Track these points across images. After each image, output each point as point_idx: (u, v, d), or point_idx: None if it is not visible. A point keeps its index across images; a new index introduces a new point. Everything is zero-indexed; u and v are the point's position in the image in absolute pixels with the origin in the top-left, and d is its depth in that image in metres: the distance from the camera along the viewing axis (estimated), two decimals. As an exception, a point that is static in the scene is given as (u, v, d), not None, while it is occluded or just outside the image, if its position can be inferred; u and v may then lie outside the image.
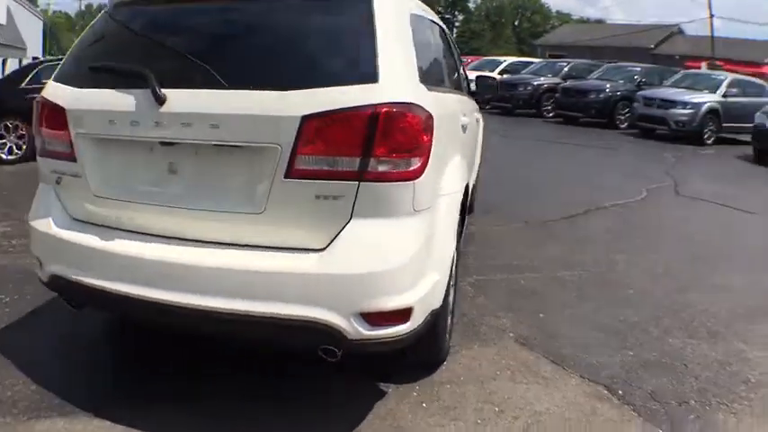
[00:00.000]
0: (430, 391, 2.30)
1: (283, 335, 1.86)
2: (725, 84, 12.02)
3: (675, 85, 12.90)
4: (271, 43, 1.93)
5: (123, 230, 2.00)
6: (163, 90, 1.82)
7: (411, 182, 1.79)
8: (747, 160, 9.98)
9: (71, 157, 2.03)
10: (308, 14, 1.95)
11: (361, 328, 1.75)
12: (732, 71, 18.03)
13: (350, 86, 1.75)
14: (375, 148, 1.71)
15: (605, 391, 2.37)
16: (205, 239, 1.88)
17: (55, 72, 2.21)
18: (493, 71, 16.33)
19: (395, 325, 1.79)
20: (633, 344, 2.80)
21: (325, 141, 1.73)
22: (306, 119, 1.71)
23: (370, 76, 1.77)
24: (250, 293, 1.76)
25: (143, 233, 1.96)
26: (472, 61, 18.51)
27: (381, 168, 1.74)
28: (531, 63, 17.45)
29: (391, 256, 1.78)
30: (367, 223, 1.77)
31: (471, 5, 58.15)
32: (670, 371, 2.56)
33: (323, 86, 1.75)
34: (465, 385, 2.36)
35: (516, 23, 58.52)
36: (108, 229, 2.02)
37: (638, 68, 14.57)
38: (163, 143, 1.91)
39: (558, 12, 61.26)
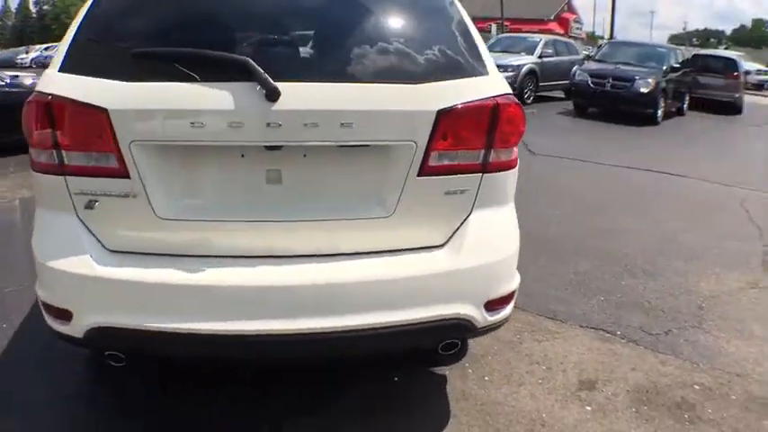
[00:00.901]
0: (480, 365, 2.52)
1: (417, 338, 1.82)
2: (540, 45, 13.76)
3: (492, 49, 14.43)
4: (393, 31, 1.85)
5: (202, 257, 1.70)
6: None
7: (514, 170, 1.90)
8: (570, 115, 11.80)
9: (119, 173, 1.64)
10: (419, 3, 1.96)
11: (487, 316, 1.84)
12: (518, 30, 20.51)
13: (471, 79, 1.79)
14: (496, 140, 1.78)
15: (607, 335, 2.85)
16: (318, 253, 1.74)
17: (58, 59, 1.73)
18: None
19: (505, 308, 1.94)
20: (596, 290, 3.34)
21: (456, 135, 1.73)
22: (441, 113, 1.70)
23: (482, 68, 1.84)
24: (389, 303, 1.71)
25: (230, 256, 1.71)
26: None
27: (498, 159, 1.81)
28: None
29: (507, 243, 1.90)
30: (484, 214, 1.84)
31: None
32: (639, 308, 3.17)
33: (447, 79, 1.75)
34: (503, 353, 2.63)
35: None
36: (178, 257, 1.70)
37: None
38: (268, 147, 1.67)
39: None
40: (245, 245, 1.73)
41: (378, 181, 1.75)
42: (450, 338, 1.90)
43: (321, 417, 2.11)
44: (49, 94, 1.64)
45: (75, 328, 1.69)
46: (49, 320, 1.77)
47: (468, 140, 1.75)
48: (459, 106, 1.72)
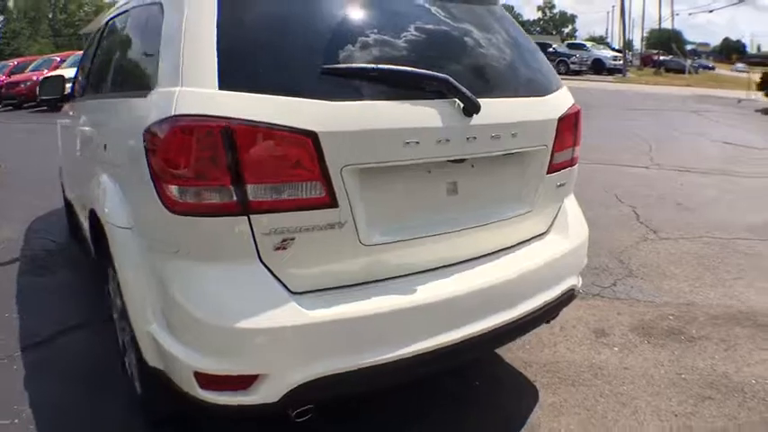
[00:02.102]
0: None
1: (551, 312, 2.04)
2: None
3: None
4: (523, 52, 2.09)
5: (402, 277, 1.66)
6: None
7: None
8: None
9: (326, 203, 1.50)
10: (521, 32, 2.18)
11: (579, 284, 2.18)
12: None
13: (561, 90, 2.11)
14: (577, 139, 2.12)
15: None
16: (490, 252, 1.87)
17: (200, 75, 1.47)
18: None
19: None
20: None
21: (563, 137, 2.02)
22: (559, 120, 1.99)
23: (558, 82, 2.16)
24: (545, 286, 1.94)
25: (426, 271, 1.71)
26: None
27: (576, 155, 2.15)
28: None
29: (583, 222, 2.26)
30: (568, 202, 2.21)
31: (10, 4, 54.77)
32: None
33: (553, 92, 2.06)
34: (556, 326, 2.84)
35: (51, 16, 57.97)
36: (380, 282, 1.63)
37: None
38: (452, 161, 1.71)
39: None
40: (436, 257, 1.74)
41: (522, 182, 1.96)
42: (564, 307, 2.13)
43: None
44: (223, 118, 1.40)
45: (269, 393, 1.48)
46: (214, 396, 1.50)
47: (567, 141, 2.07)
48: (566, 114, 2.03)
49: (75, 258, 3.86)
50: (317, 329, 1.48)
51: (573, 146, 2.10)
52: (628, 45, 37.08)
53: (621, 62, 31.02)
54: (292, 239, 1.48)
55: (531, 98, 1.96)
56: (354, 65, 1.58)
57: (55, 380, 2.39)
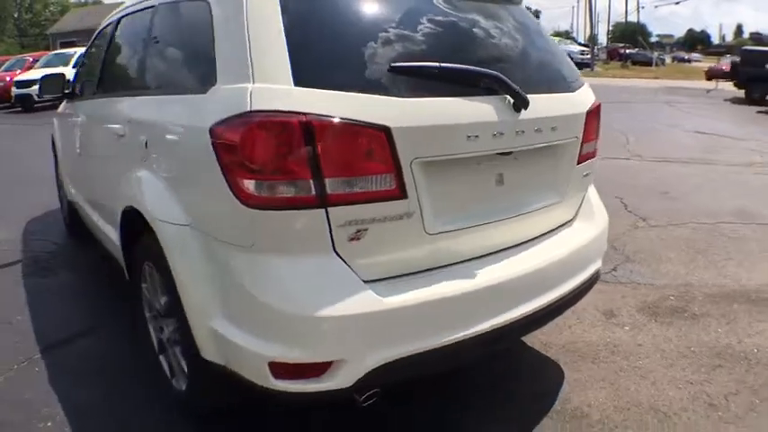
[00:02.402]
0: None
1: (583, 292, 2.18)
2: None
3: None
4: (553, 51, 2.26)
5: (461, 263, 1.77)
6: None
7: None
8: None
9: (397, 195, 1.58)
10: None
11: (600, 268, 2.35)
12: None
13: (584, 86, 2.27)
14: (598, 132, 2.28)
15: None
16: (527, 239, 2.00)
17: (273, 71, 1.51)
18: (67, 65, 15.01)
19: None
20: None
21: (589, 130, 2.18)
22: (587, 113, 2.16)
23: (581, 78, 2.31)
24: (586, 262, 2.15)
25: (479, 257, 1.82)
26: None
27: (597, 147, 2.32)
28: None
29: (603, 209, 2.44)
30: (591, 191, 2.39)
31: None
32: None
33: (579, 88, 2.22)
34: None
35: (16, 15, 56.52)
36: (442, 269, 1.73)
37: None
38: (500, 153, 1.82)
39: None
40: (488, 244, 1.87)
41: (557, 172, 2.10)
42: (591, 288, 2.27)
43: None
44: (302, 113, 1.46)
45: (344, 378, 1.54)
46: (287, 384, 1.55)
47: (592, 133, 2.22)
48: (592, 108, 2.19)
49: (77, 260, 3.89)
50: (390, 315, 1.55)
51: (596, 138, 2.26)
52: (593, 39, 37.87)
53: (589, 56, 31.76)
54: (365, 230, 1.55)
55: (565, 93, 2.11)
56: (419, 63, 1.66)
57: (80, 380, 2.42)
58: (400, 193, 1.58)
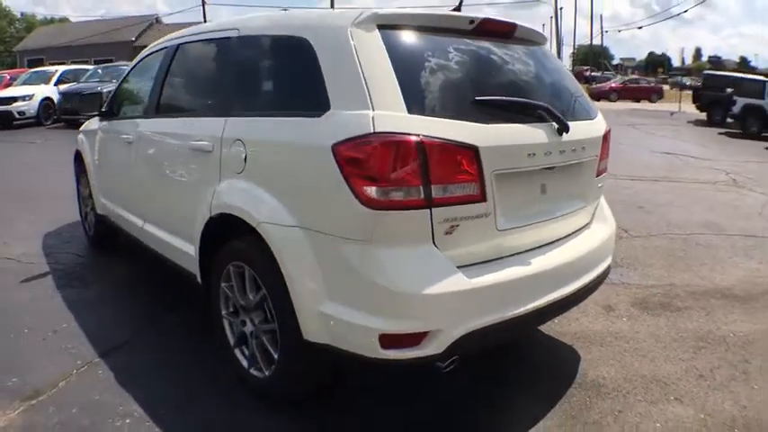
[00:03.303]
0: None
1: (599, 283, 2.69)
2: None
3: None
4: (575, 84, 2.79)
5: (517, 254, 2.27)
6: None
7: None
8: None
9: (479, 198, 2.05)
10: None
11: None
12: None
13: (599, 114, 2.85)
14: (608, 152, 2.84)
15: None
16: (562, 237, 2.53)
17: (383, 101, 1.96)
18: (48, 82, 15.33)
19: None
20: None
21: (603, 150, 2.75)
22: (603, 136, 2.74)
23: (595, 107, 2.90)
24: (602, 258, 2.69)
25: (529, 250, 2.33)
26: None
27: (607, 164, 2.88)
28: (87, 70, 17.20)
29: (612, 215, 2.99)
30: (601, 200, 2.95)
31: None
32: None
33: (596, 116, 2.78)
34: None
35: None
36: (507, 258, 2.23)
37: (126, 66, 16.15)
38: (546, 168, 2.32)
39: (22, 13, 59.04)
40: (537, 239, 2.39)
41: (582, 183, 2.64)
42: (605, 279, 2.79)
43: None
44: (417, 134, 1.92)
45: (437, 346, 1.96)
46: (393, 353, 1.96)
47: (605, 153, 2.79)
48: (605, 132, 2.77)
49: (108, 271, 4.18)
50: (475, 293, 2.02)
51: (607, 157, 2.82)
52: (559, 61, 39.48)
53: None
54: (457, 226, 2.02)
55: (588, 120, 2.67)
56: (496, 97, 2.21)
57: (147, 379, 2.64)
58: (482, 197, 2.06)
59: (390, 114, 1.96)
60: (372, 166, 1.91)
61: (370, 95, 1.98)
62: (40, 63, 22.93)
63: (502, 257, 2.23)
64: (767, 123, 15.21)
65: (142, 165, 3.45)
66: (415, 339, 1.96)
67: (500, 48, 2.44)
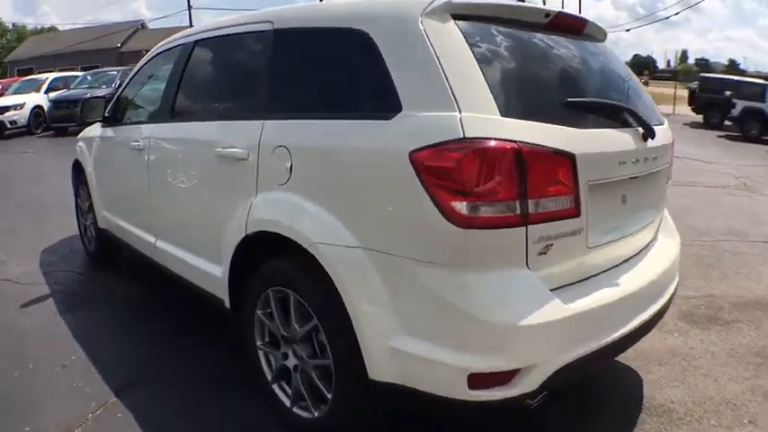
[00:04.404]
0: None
1: (673, 298, 2.45)
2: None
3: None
4: (639, 86, 2.53)
5: (603, 273, 2.03)
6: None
7: None
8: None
9: (573, 213, 1.80)
10: None
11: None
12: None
13: (666, 121, 2.61)
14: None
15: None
16: (638, 252, 2.30)
17: (489, 101, 1.70)
18: (39, 90, 15.09)
19: None
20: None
21: (671, 157, 2.53)
22: (671, 143, 2.50)
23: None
24: (675, 274, 2.47)
25: (611, 268, 2.09)
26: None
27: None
28: (77, 77, 16.98)
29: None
30: (665, 211, 2.68)
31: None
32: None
33: (664, 122, 2.53)
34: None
35: None
36: (591, 279, 1.98)
37: (115, 71, 16.21)
38: (631, 178, 2.09)
39: (14, 24, 59.46)
40: (619, 255, 2.16)
41: (656, 193, 2.42)
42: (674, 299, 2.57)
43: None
44: (513, 140, 1.66)
45: (531, 382, 1.70)
46: (481, 393, 1.70)
47: (672, 159, 2.57)
48: (672, 138, 2.54)
49: (112, 291, 3.91)
50: (572, 320, 1.75)
51: (672, 164, 2.61)
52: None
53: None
54: (551, 245, 1.77)
55: (661, 126, 2.39)
56: (590, 99, 2.01)
57: (172, 419, 2.39)
58: (577, 211, 1.82)
59: (482, 117, 1.69)
60: (463, 177, 1.64)
61: (453, 94, 1.71)
62: (29, 72, 23.01)
63: (589, 277, 1.98)
64: (767, 126, 15.23)
65: (155, 175, 3.14)
66: (507, 377, 1.70)
67: (573, 44, 2.23)
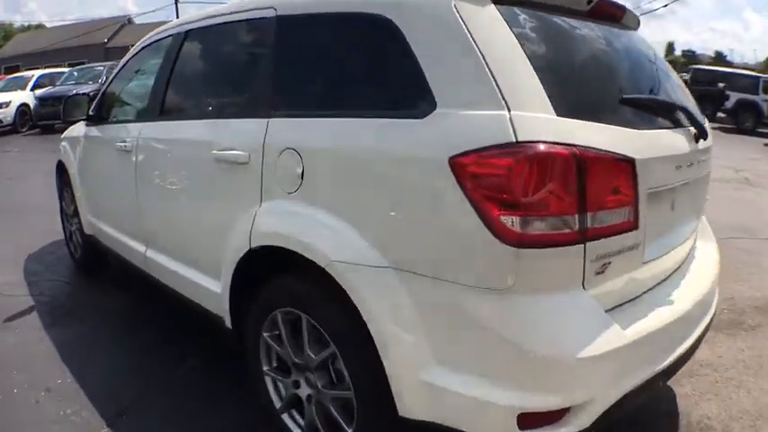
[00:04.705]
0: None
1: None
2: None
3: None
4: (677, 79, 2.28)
5: (654, 289, 1.82)
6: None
7: None
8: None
9: (632, 226, 1.58)
10: None
11: None
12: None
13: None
14: None
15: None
16: (685, 259, 2.11)
17: (541, 98, 1.47)
18: (25, 88, 14.84)
19: None
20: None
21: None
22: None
23: None
24: (716, 285, 2.19)
25: (664, 281, 1.89)
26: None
27: None
28: (63, 73, 16.71)
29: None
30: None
31: None
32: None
33: (705, 119, 2.30)
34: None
35: None
36: (644, 296, 1.76)
37: (101, 67, 15.84)
38: (683, 183, 1.88)
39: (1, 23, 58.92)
40: (667, 267, 1.94)
41: (701, 197, 2.23)
42: None
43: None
44: (571, 145, 1.43)
45: (584, 419, 1.50)
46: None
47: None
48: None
49: (101, 302, 3.67)
50: (633, 347, 1.54)
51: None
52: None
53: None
54: (609, 263, 1.54)
55: (705, 124, 2.19)
56: (647, 96, 1.81)
57: None
58: (635, 224, 1.59)
59: (535, 116, 1.46)
60: (516, 187, 1.40)
61: (499, 89, 1.46)
62: (16, 70, 22.94)
63: (640, 295, 1.76)
64: (761, 119, 15.17)
65: (144, 179, 2.87)
66: (559, 414, 1.49)
67: (614, 34, 2.01)
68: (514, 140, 1.41)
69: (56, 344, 3.07)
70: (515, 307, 1.46)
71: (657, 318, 1.69)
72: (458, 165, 1.46)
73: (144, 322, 3.35)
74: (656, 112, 1.84)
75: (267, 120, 2.05)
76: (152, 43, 3.19)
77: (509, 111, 1.44)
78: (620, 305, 1.67)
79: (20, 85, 15.49)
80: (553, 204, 1.42)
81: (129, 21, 40.83)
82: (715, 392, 2.52)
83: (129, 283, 3.70)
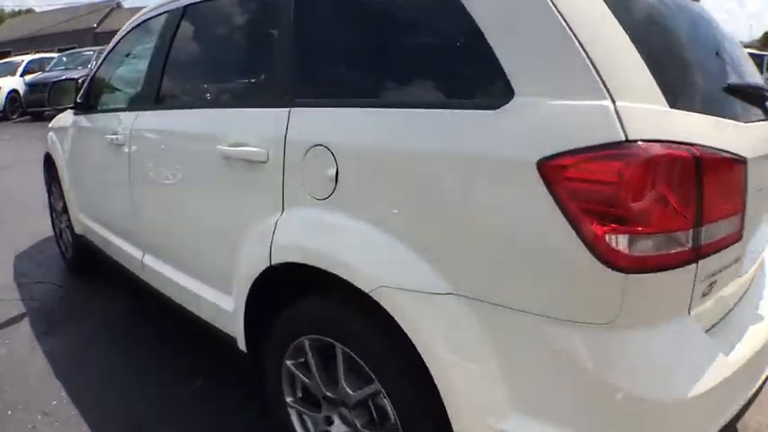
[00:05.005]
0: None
1: None
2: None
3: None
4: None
5: (739, 302, 1.57)
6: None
7: None
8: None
9: (738, 237, 1.32)
10: None
11: None
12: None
13: None
14: None
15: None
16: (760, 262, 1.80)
17: (650, 85, 1.17)
18: (14, 74, 14.59)
19: None
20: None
21: None
22: None
23: None
24: None
25: (746, 292, 1.65)
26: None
27: None
28: (52, 58, 16.40)
29: None
30: None
31: None
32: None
33: None
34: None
35: None
36: (732, 312, 1.51)
37: (91, 52, 15.58)
38: None
39: None
40: (753, 273, 1.64)
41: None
42: None
43: None
44: (692, 144, 1.14)
45: None
46: None
47: None
48: None
49: (96, 305, 3.37)
50: (736, 375, 1.30)
51: None
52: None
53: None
54: (715, 282, 1.29)
55: None
56: (755, 83, 1.54)
57: None
58: (740, 234, 1.32)
59: (646, 108, 1.15)
60: (627, 199, 1.10)
61: (598, 73, 1.13)
62: (6, 55, 22.61)
63: (729, 311, 1.50)
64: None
65: (139, 175, 2.53)
66: None
67: (695, 10, 1.67)
68: (624, 139, 1.09)
69: (50, 357, 2.78)
70: (620, 343, 1.17)
71: (753, 337, 1.43)
72: (551, 169, 1.13)
73: (144, 330, 3.05)
74: (756, 101, 1.55)
75: (288, 109, 1.69)
76: (146, 20, 2.83)
77: (613, 101, 1.11)
78: (716, 324, 1.41)
79: (9, 70, 15.23)
80: (670, 218, 1.13)
81: (118, 5, 40.38)
82: (759, 402, 2.22)
83: (125, 285, 3.38)
